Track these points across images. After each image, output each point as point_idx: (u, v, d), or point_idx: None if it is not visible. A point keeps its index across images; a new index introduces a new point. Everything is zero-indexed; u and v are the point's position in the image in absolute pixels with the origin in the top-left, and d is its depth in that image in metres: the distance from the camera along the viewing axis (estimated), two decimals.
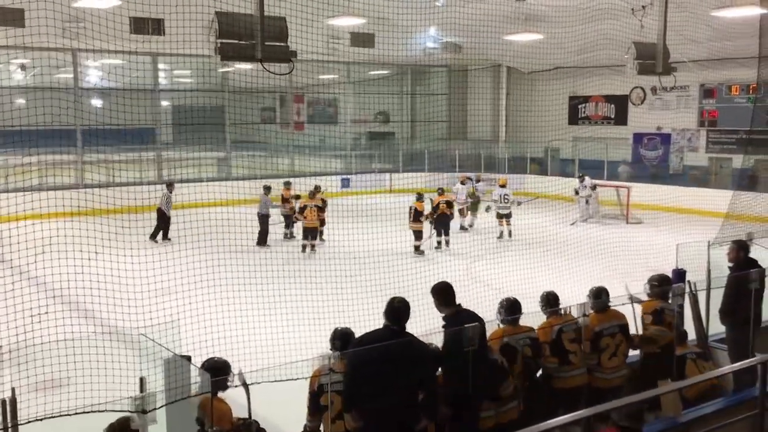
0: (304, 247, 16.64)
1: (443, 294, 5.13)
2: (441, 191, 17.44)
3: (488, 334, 5.49)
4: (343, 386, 4.73)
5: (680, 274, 6.97)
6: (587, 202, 20.66)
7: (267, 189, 17.60)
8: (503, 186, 18.54)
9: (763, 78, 15.88)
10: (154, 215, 17.09)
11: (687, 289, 6.81)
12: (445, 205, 16.83)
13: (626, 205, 21.24)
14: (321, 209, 17.01)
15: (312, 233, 16.71)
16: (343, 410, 4.71)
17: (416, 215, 16.32)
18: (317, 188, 17.59)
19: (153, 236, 17.05)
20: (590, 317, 6.14)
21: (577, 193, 20.82)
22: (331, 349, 5.12)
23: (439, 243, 16.80)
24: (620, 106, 26.49)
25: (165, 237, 17.19)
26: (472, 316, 5.07)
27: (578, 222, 20.11)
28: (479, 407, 5.10)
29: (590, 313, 6.13)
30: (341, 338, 5.14)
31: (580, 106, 27.62)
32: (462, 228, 18.97)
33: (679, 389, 5.55)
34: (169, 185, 17.71)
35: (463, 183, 19.68)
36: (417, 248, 16.21)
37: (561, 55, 19.74)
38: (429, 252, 16.28)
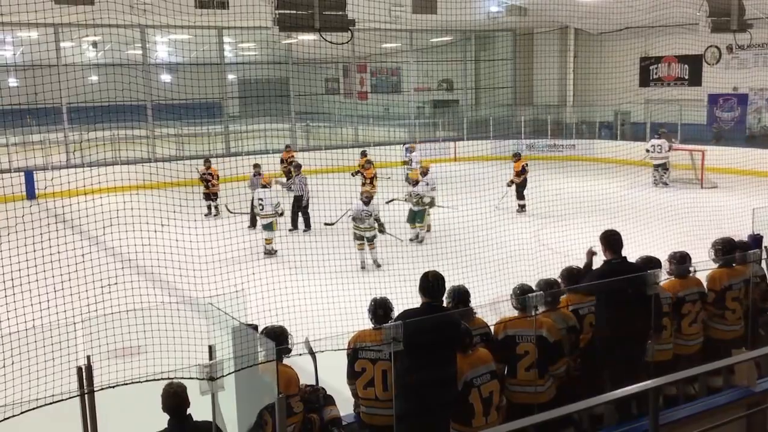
0: None
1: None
2: (518, 156, 17.44)
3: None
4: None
5: (756, 240, 6.71)
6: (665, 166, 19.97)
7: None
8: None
9: None
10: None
11: (764, 255, 6.55)
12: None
13: (701, 169, 20.54)
14: None
15: None
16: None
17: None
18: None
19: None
20: (673, 282, 5.99)
21: (669, 149, 20.02)
22: (372, 320, 5.07)
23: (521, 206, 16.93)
24: (694, 66, 25.45)
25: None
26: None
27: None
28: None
29: (669, 278, 5.96)
30: (383, 307, 5.10)
31: (651, 68, 26.66)
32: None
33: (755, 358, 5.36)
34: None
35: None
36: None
37: (631, 14, 19.09)
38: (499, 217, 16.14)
